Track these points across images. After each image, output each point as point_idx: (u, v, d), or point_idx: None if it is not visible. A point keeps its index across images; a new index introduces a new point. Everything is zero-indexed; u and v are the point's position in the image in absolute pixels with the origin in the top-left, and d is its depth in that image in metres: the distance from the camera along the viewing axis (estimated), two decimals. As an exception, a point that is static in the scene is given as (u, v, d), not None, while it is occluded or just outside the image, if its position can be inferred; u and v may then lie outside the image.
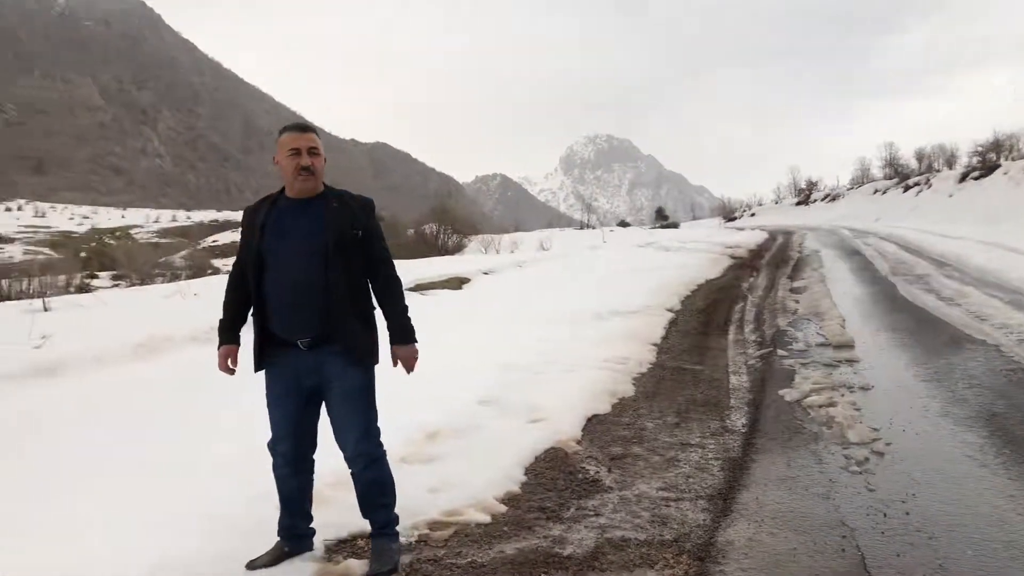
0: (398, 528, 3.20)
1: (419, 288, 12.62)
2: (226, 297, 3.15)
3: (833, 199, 52.48)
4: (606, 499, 3.76)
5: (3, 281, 18.55)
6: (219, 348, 3.10)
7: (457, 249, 28.81)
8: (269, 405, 3.07)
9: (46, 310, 10.21)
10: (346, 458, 3.07)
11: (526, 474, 4.10)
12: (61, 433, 4.80)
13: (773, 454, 4.36)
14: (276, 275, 2.93)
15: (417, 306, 10.68)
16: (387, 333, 3.14)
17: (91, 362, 6.67)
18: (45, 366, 6.31)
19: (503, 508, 3.64)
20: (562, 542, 3.24)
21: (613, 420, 5.24)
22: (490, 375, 6.26)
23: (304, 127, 3.04)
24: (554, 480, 4.03)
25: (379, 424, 3.11)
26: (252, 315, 3.08)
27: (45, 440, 4.66)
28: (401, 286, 3.15)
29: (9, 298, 15.78)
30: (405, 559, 3.11)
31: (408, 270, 15.09)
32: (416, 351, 3.16)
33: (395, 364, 3.14)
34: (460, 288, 13.35)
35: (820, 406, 5.25)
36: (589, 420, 5.17)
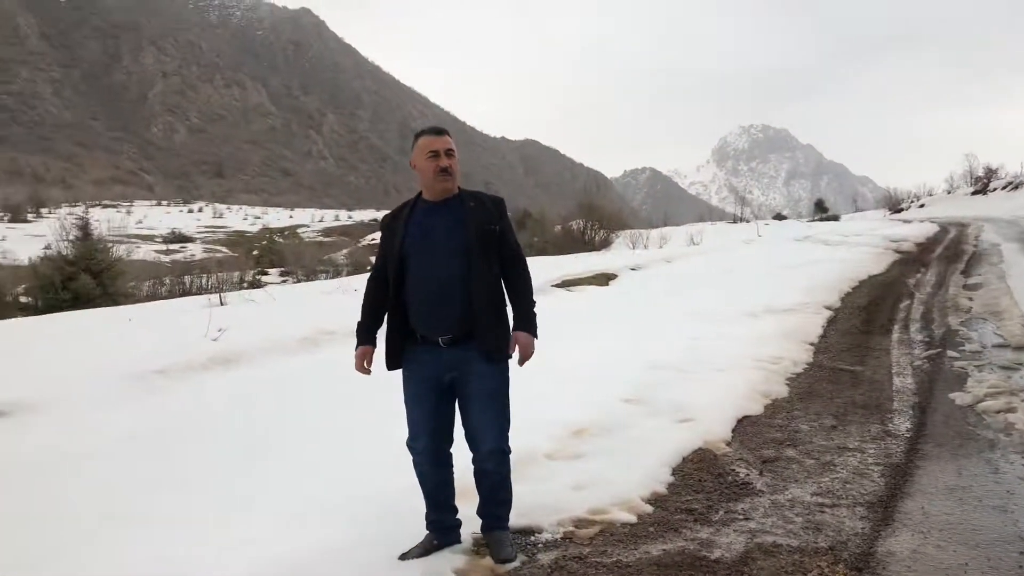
0: (543, 523, 3.25)
1: (565, 284, 12.67)
2: (364, 300, 3.27)
3: (1015, 187, 48.03)
4: (756, 503, 3.64)
5: (186, 277, 20.29)
6: (356, 349, 3.22)
7: (604, 245, 28.66)
8: (407, 403, 3.17)
9: (222, 304, 11.06)
10: (478, 455, 3.13)
11: (673, 474, 4.03)
12: (228, 420, 5.20)
13: (941, 461, 4.07)
14: (419, 274, 3.03)
15: (563, 302, 10.77)
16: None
17: (261, 354, 7.17)
18: (222, 357, 6.85)
19: (649, 508, 3.60)
20: (710, 545, 3.17)
21: (765, 422, 5.06)
22: (637, 373, 6.18)
23: (439, 130, 3.12)
24: (702, 482, 3.94)
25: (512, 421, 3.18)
26: (389, 316, 3.16)
27: (215, 426, 5.06)
28: (531, 282, 3.19)
29: (191, 293, 17.24)
30: (550, 556, 3.13)
31: (555, 266, 15.20)
32: (534, 343, 3.15)
33: (511, 351, 3.13)
34: (607, 284, 13.30)
35: (997, 411, 4.84)
36: (740, 421, 5.01)
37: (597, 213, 30.90)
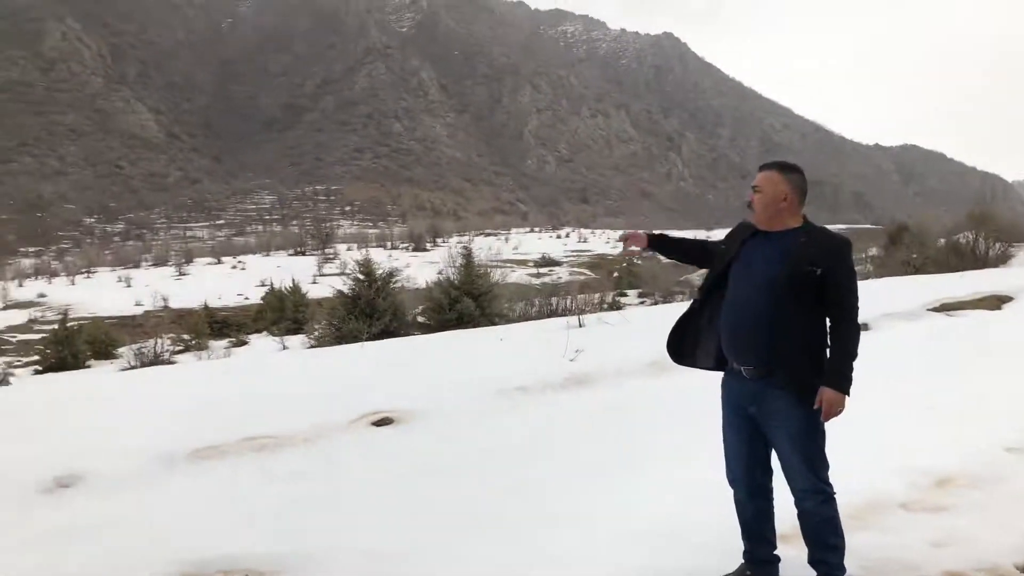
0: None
1: (944, 308, 11.32)
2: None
3: None
4: None
5: (553, 299, 21.82)
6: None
7: (1000, 261, 24.96)
8: (722, 427, 3.21)
9: (581, 326, 11.75)
10: (794, 493, 3.02)
11: (1060, 541, 3.45)
12: (576, 438, 5.53)
13: None
14: (732, 299, 3.05)
15: (939, 329, 9.63)
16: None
17: (612, 375, 7.52)
18: (576, 377, 7.32)
19: (1022, 578, 3.14)
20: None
21: None
22: (1026, 417, 5.36)
23: (762, 165, 3.13)
24: (1101, 555, 3.32)
25: (828, 459, 3.00)
26: (688, 312, 3.29)
27: (564, 443, 5.43)
28: (857, 336, 2.94)
29: (557, 314, 18.50)
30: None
31: (933, 287, 13.65)
32: (843, 403, 2.90)
33: (815, 405, 2.91)
34: (999, 308, 11.60)
35: None
36: None
37: (991, 223, 27.04)
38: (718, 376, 3.25)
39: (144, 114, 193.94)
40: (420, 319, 19.93)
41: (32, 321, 45.43)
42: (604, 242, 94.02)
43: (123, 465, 4.67)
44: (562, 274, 56.84)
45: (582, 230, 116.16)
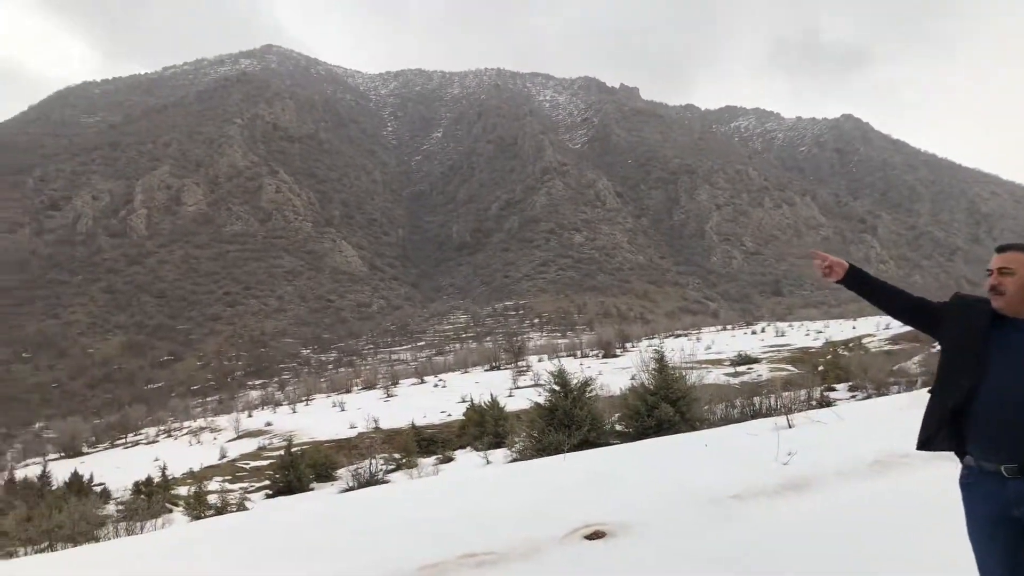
0: None
1: None
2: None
3: None
4: None
5: (755, 399, 20.95)
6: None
7: None
8: (970, 540, 2.88)
9: (790, 426, 11.20)
10: None
11: None
12: (800, 550, 5.21)
13: None
14: (998, 391, 2.76)
15: None
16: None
17: (832, 478, 7.08)
18: (792, 482, 6.96)
19: None
20: None
21: None
22: None
23: (1001, 247, 2.93)
24: None
25: None
26: (933, 397, 2.99)
27: (788, 556, 5.12)
28: None
29: (760, 414, 17.72)
30: None
31: None
32: None
33: None
34: None
35: None
36: None
37: None
38: (947, 475, 3.00)
39: (349, 251, 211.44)
40: (618, 427, 19.74)
41: (261, 448, 49.39)
42: (804, 335, 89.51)
43: (359, 585, 4.97)
44: (762, 371, 54.42)
45: (778, 323, 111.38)
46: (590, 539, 5.82)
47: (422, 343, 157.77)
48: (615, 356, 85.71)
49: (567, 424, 17.52)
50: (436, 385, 79.30)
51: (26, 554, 17.84)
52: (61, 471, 39.12)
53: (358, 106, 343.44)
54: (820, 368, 47.73)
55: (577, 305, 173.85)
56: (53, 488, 33.17)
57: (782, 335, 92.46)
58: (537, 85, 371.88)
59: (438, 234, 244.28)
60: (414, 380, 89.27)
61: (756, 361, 61.70)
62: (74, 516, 19.49)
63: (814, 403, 22.08)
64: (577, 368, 40.88)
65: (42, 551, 18.04)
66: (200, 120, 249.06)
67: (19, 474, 41.26)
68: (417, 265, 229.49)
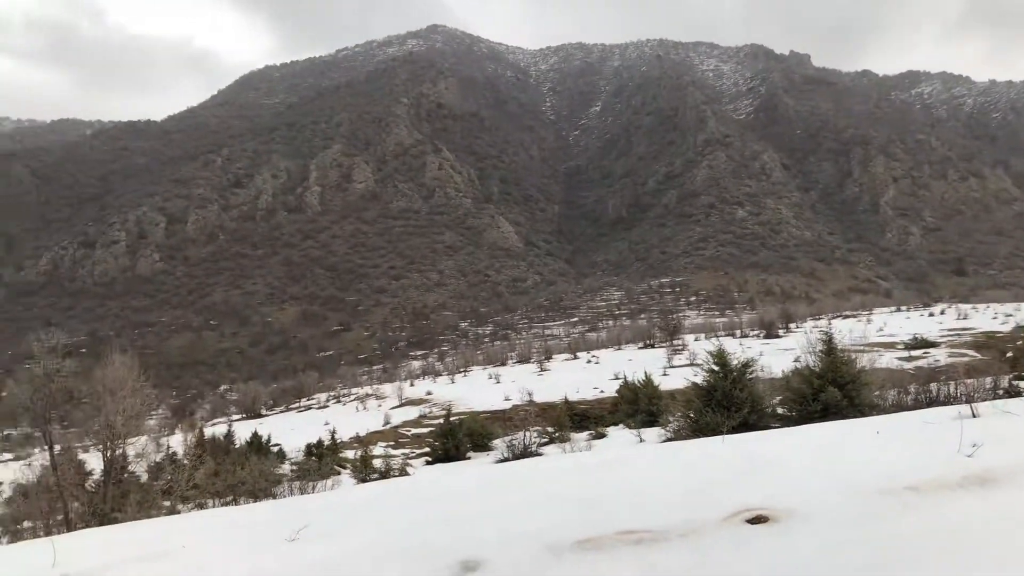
0: None
1: None
2: None
3: None
4: None
5: (932, 385, 19.54)
6: None
7: None
8: None
9: (974, 416, 10.35)
10: None
11: None
12: (989, 547, 4.81)
13: None
14: None
15: None
16: None
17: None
18: (977, 476, 6.43)
19: None
20: None
21: None
22: None
23: None
24: None
25: None
26: None
27: (975, 558, 4.74)
28: None
29: (938, 402, 16.51)
30: None
31: None
32: None
33: None
34: None
35: None
36: None
37: None
38: None
39: (506, 227, 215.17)
40: (779, 410, 19.06)
41: (422, 416, 51.47)
42: (991, 318, 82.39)
43: (518, 553, 5.08)
44: (940, 356, 50.60)
45: (960, 305, 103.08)
46: (752, 523, 5.65)
47: (575, 319, 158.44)
48: (777, 337, 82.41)
49: (725, 405, 17.09)
50: (589, 361, 79.45)
51: (214, 506, 19.57)
52: (243, 431, 42.59)
53: (518, 82, 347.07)
54: (1009, 354, 43.77)
55: (737, 283, 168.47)
56: (236, 446, 36.15)
57: (964, 318, 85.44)
58: (701, 55, 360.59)
59: (594, 209, 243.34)
60: (567, 355, 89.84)
61: (934, 345, 57.47)
62: (255, 473, 21.18)
63: (1001, 392, 20.29)
64: (736, 348, 39.72)
65: (227, 504, 19.72)
66: (369, 100, 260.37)
67: (207, 431, 45.21)
68: (572, 241, 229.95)
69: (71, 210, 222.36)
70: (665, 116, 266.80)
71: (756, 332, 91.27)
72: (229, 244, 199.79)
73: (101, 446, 16.50)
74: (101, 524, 14.60)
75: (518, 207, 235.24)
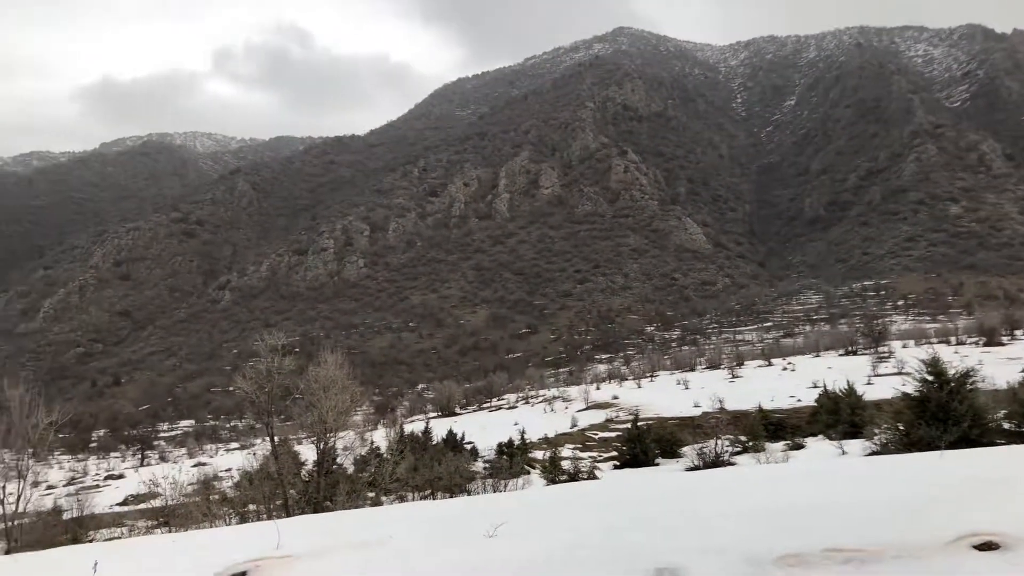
0: None
1: None
2: None
3: None
4: None
5: None
6: None
7: None
8: None
9: None
10: None
11: None
12: None
13: None
14: None
15: None
16: None
17: None
18: None
19: None
20: None
21: None
22: None
23: None
24: None
25: None
26: None
27: None
28: None
29: None
30: None
31: None
32: None
33: None
34: None
35: None
36: None
37: None
38: None
39: (693, 228, 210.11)
40: (1005, 425, 17.30)
41: (609, 420, 51.37)
42: None
43: (718, 564, 4.95)
44: None
45: None
46: (980, 549, 5.16)
47: (769, 323, 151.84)
48: (1000, 344, 74.68)
49: (942, 418, 15.72)
50: (784, 368, 75.85)
51: (412, 499, 20.61)
52: (439, 428, 44.51)
53: (706, 80, 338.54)
54: None
55: (952, 286, 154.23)
56: (433, 443, 37.84)
57: None
58: (907, 40, 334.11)
59: (788, 208, 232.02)
60: (760, 362, 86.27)
61: None
62: (451, 469, 22.10)
63: None
64: (952, 357, 36.50)
65: (425, 497, 20.71)
66: (555, 106, 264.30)
67: (407, 428, 47.65)
68: (764, 242, 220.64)
69: (286, 220, 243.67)
70: (866, 108, 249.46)
71: (975, 339, 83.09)
72: (425, 250, 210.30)
73: (314, 438, 17.88)
74: (315, 511, 15.83)
75: (706, 208, 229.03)
